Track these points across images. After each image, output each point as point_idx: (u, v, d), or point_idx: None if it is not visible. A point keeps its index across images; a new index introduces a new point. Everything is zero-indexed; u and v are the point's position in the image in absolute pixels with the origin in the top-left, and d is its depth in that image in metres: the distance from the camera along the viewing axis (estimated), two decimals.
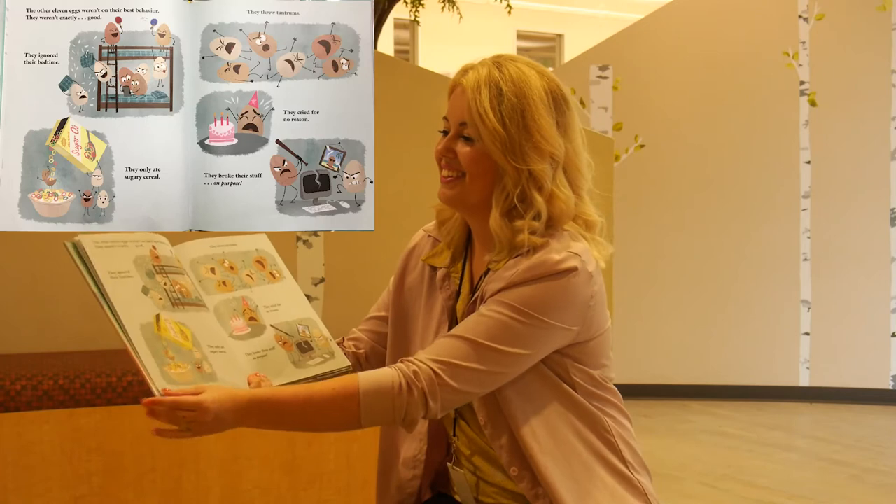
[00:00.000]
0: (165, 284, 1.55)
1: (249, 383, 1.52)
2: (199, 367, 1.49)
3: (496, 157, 1.54)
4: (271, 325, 1.64)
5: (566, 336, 1.54)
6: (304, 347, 1.64)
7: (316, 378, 1.61)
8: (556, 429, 1.57)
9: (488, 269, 1.59)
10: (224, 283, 1.64)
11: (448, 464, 1.64)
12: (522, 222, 1.54)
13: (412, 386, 1.47)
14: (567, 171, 1.58)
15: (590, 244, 1.58)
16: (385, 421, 1.50)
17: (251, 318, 1.63)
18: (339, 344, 1.75)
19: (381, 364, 1.72)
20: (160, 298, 1.52)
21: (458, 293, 1.65)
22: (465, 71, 1.59)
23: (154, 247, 1.57)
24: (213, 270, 1.65)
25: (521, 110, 1.54)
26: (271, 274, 1.70)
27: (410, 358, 1.50)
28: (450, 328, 1.61)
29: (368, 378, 1.49)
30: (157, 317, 1.50)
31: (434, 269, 1.68)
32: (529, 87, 1.55)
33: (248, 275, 1.67)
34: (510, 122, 1.53)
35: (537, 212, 1.54)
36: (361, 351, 1.76)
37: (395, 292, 1.73)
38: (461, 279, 1.65)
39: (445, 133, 1.61)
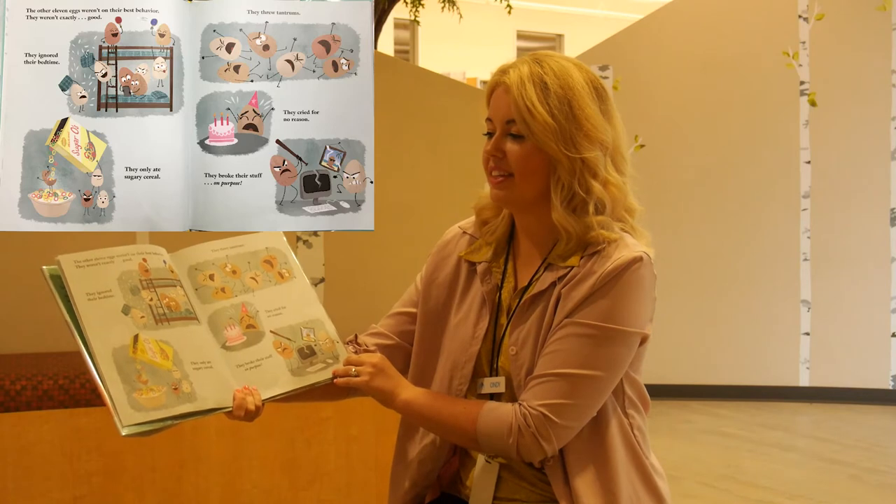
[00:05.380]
0: (151, 300, 1.53)
1: (235, 398, 1.52)
2: (175, 389, 1.48)
3: (549, 149, 1.56)
4: (271, 331, 1.62)
5: (642, 337, 1.61)
6: (306, 353, 1.62)
7: (314, 386, 1.61)
8: (598, 426, 1.60)
9: (546, 262, 1.62)
10: (223, 289, 1.62)
11: (481, 455, 1.66)
12: (590, 218, 1.57)
13: (523, 430, 1.55)
14: (613, 157, 1.62)
15: (633, 234, 1.63)
16: (501, 452, 1.60)
17: (249, 326, 1.61)
18: (353, 342, 1.74)
19: (405, 361, 1.75)
20: (142, 317, 1.51)
21: (500, 286, 1.67)
22: (504, 71, 1.61)
23: (145, 259, 1.55)
24: (212, 277, 1.62)
25: (567, 101, 1.56)
26: (280, 274, 1.68)
27: (523, 403, 1.56)
28: (493, 319, 1.66)
29: (489, 411, 1.58)
30: (136, 337, 1.49)
31: (472, 264, 1.71)
32: (572, 79, 1.58)
33: (252, 278, 1.65)
34: (559, 113, 1.56)
35: (597, 200, 1.58)
36: (388, 343, 1.76)
37: (425, 288, 1.74)
38: (504, 273, 1.68)
39: (489, 135, 1.63)
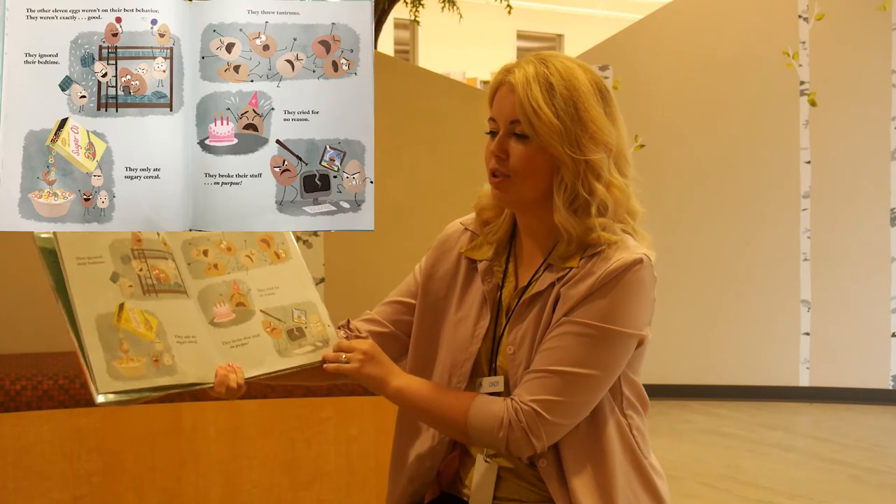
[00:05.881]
0: (141, 270, 1.53)
1: (217, 374, 1.51)
2: (156, 360, 1.47)
3: (554, 150, 1.56)
4: (261, 311, 1.61)
5: (639, 339, 1.60)
6: (296, 334, 1.61)
7: (301, 368, 1.60)
8: (595, 427, 1.60)
9: (547, 263, 1.62)
10: (216, 265, 1.62)
11: (480, 455, 1.66)
12: (592, 220, 1.57)
13: (513, 424, 1.54)
14: (616, 159, 1.61)
15: (634, 236, 1.62)
16: (490, 445, 1.60)
17: (239, 303, 1.60)
18: (345, 327, 1.73)
19: (398, 351, 1.74)
20: (130, 286, 1.51)
21: (501, 285, 1.67)
22: (508, 70, 1.60)
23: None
24: (205, 252, 1.62)
25: (573, 102, 1.56)
26: (276, 254, 1.68)
27: (515, 398, 1.56)
28: (493, 318, 1.66)
29: (480, 405, 1.57)
30: (122, 306, 1.48)
31: (473, 261, 1.70)
32: (577, 80, 1.57)
33: (247, 256, 1.65)
34: (564, 114, 1.55)
35: (601, 201, 1.57)
36: (382, 331, 1.75)
37: (425, 280, 1.74)
38: (505, 272, 1.67)
39: (492, 134, 1.62)
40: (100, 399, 1.42)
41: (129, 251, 1.54)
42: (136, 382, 1.44)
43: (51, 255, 1.50)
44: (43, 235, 1.52)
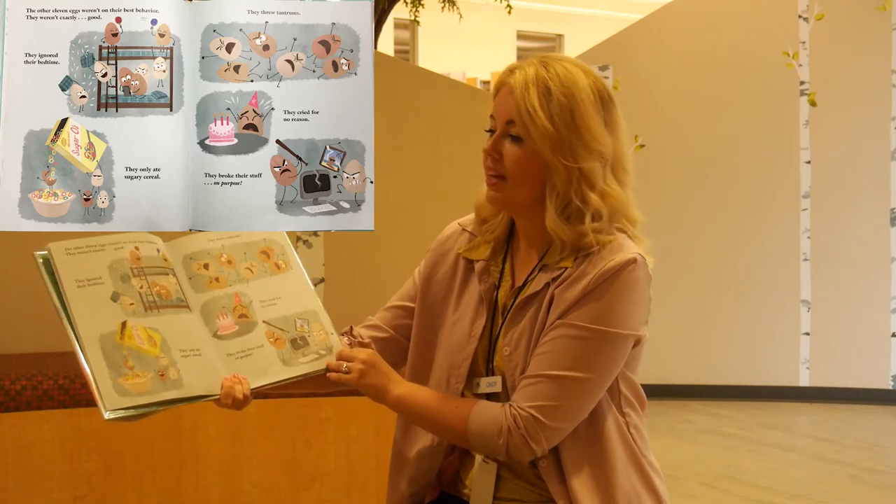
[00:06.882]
0: (142, 288, 1.54)
1: (223, 386, 1.52)
2: (162, 375, 1.48)
3: (546, 155, 1.55)
4: (264, 321, 1.62)
5: (636, 339, 1.60)
6: (299, 343, 1.62)
7: (305, 377, 1.61)
8: (594, 425, 1.60)
9: (541, 264, 1.61)
10: (217, 279, 1.63)
11: (480, 456, 1.66)
12: (585, 227, 1.55)
13: (512, 431, 1.54)
14: (614, 168, 1.60)
15: (633, 241, 1.62)
16: (491, 452, 1.60)
17: (242, 315, 1.61)
18: (347, 333, 1.74)
19: (399, 355, 1.75)
20: (131, 304, 1.52)
21: (497, 285, 1.67)
22: (511, 71, 1.60)
23: (137, 247, 1.57)
24: (206, 266, 1.63)
25: (570, 109, 1.55)
26: (276, 265, 1.69)
27: (513, 404, 1.56)
28: (489, 318, 1.65)
29: (479, 412, 1.57)
30: (124, 324, 1.50)
31: (470, 261, 1.70)
32: (577, 87, 1.56)
33: (247, 268, 1.66)
34: (559, 120, 1.54)
35: (595, 210, 1.56)
36: (383, 335, 1.76)
37: (424, 283, 1.74)
38: (501, 272, 1.67)
39: (492, 132, 1.62)
40: (108, 416, 1.43)
41: (128, 270, 1.55)
42: (143, 398, 1.46)
43: (52, 275, 1.52)
44: (40, 259, 1.53)
